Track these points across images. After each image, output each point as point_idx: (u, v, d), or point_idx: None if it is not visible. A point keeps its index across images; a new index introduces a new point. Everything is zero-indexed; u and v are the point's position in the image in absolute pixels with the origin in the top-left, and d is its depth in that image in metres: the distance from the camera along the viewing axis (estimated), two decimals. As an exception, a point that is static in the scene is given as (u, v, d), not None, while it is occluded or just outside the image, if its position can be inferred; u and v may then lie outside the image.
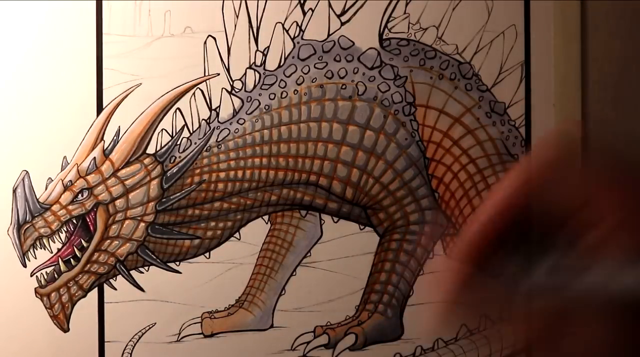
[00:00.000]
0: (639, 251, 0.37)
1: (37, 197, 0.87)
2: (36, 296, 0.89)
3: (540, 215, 0.41)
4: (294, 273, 0.93)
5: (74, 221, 0.89)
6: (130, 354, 0.90)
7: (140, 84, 0.89)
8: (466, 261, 0.41)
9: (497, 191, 0.41)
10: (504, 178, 0.41)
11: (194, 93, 0.90)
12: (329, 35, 0.92)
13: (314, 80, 0.92)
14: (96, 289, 0.90)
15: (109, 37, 0.89)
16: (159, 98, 0.89)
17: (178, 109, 0.90)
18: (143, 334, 0.90)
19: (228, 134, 0.91)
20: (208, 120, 0.90)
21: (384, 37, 0.93)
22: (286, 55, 0.92)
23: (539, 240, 0.41)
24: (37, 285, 0.89)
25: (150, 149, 0.90)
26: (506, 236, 0.41)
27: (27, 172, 0.88)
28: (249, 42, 0.91)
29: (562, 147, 0.43)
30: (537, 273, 0.40)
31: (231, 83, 0.91)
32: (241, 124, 0.91)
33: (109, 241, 0.89)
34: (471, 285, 0.41)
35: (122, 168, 0.89)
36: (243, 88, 0.91)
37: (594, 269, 0.38)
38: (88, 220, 0.89)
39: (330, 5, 0.92)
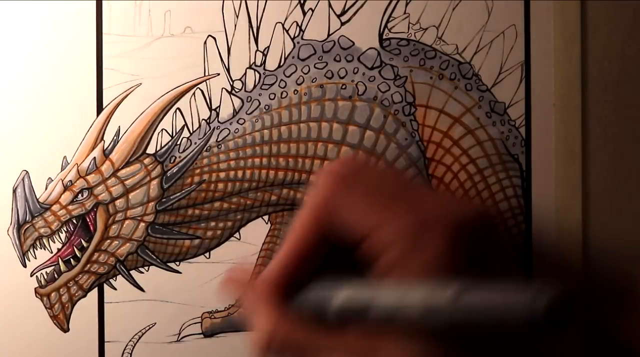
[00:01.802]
0: (428, 273, 0.37)
1: (37, 197, 0.88)
2: (36, 296, 0.89)
3: (335, 240, 0.41)
4: (294, 273, 0.93)
5: (74, 221, 0.89)
6: (130, 354, 0.90)
7: (140, 84, 0.89)
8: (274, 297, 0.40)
9: (295, 225, 0.41)
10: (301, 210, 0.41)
11: (194, 93, 0.90)
12: (329, 35, 0.92)
13: (314, 80, 0.92)
14: (96, 289, 0.90)
15: (109, 37, 0.89)
16: (159, 98, 0.89)
17: (178, 109, 0.90)
18: (143, 334, 0.90)
19: (228, 134, 0.91)
20: (208, 120, 0.90)
21: (384, 37, 0.93)
22: (286, 55, 0.92)
23: (334, 268, 0.41)
24: (37, 285, 0.89)
25: (150, 149, 0.90)
26: (306, 268, 0.41)
27: (27, 172, 0.88)
28: (249, 42, 0.91)
29: (352, 166, 0.42)
30: (334, 305, 0.39)
31: (231, 83, 0.91)
32: (241, 124, 0.91)
33: (109, 241, 0.89)
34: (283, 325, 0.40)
35: (122, 168, 0.89)
36: (243, 88, 0.91)
37: (385, 291, 0.37)
38: (88, 220, 0.89)
39: (330, 5, 0.92)
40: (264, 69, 0.92)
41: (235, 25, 0.91)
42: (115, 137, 0.89)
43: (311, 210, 0.40)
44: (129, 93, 0.89)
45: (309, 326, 0.40)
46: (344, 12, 0.93)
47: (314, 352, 0.39)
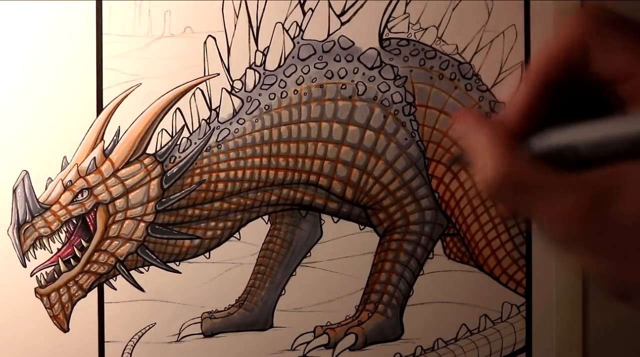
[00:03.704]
0: None
1: (37, 197, 0.88)
2: (36, 296, 0.89)
3: (582, 82, 0.39)
4: (294, 273, 0.93)
5: (74, 221, 0.89)
6: (130, 354, 0.90)
7: (140, 84, 0.89)
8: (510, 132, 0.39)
9: (537, 59, 0.40)
10: (545, 46, 0.39)
11: (194, 93, 0.90)
12: (329, 35, 0.92)
13: (314, 80, 0.92)
14: (96, 289, 0.90)
15: (109, 37, 0.89)
16: (159, 98, 0.89)
17: (178, 109, 0.90)
18: (143, 334, 0.90)
19: (228, 134, 0.91)
20: (208, 120, 0.90)
21: (384, 37, 0.93)
22: (286, 55, 0.92)
23: (581, 109, 0.39)
24: (37, 285, 0.89)
25: (150, 149, 0.90)
26: (548, 104, 0.39)
27: (27, 172, 0.88)
28: (249, 42, 0.91)
29: (600, 15, 0.41)
30: (576, 142, 0.38)
31: (231, 83, 0.91)
32: (241, 124, 0.91)
33: (109, 241, 0.89)
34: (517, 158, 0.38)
35: (122, 168, 0.89)
36: (243, 88, 0.91)
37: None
38: (88, 220, 0.89)
39: (330, 5, 0.92)
40: (264, 69, 0.92)
41: (235, 25, 0.91)
42: (115, 137, 0.89)
43: (562, 42, 0.38)
44: (129, 93, 0.89)
45: (542, 167, 0.38)
46: (344, 12, 0.93)
47: (546, 193, 0.37)
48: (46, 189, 0.88)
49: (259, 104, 0.91)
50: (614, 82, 0.38)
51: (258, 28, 0.91)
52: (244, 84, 0.91)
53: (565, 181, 0.37)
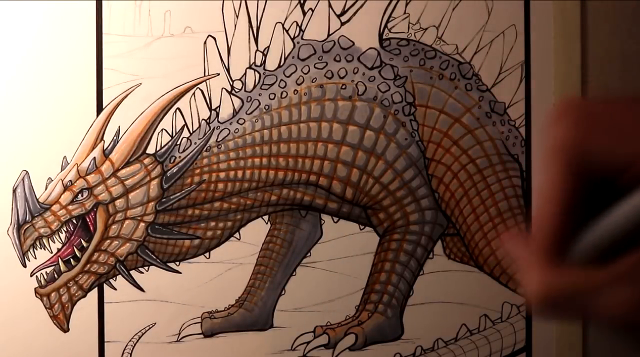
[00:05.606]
0: None
1: (37, 197, 0.88)
2: (36, 296, 0.89)
3: (590, 177, 0.40)
4: (294, 273, 0.93)
5: (74, 221, 0.89)
6: (130, 354, 0.90)
7: (140, 84, 0.89)
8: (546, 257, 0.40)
9: (544, 187, 0.41)
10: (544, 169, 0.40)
11: (194, 93, 0.90)
12: (329, 35, 0.92)
13: (314, 80, 0.92)
14: (96, 289, 0.90)
15: (109, 37, 0.89)
16: (159, 98, 0.89)
17: (178, 109, 0.90)
18: (143, 334, 0.90)
19: (228, 134, 0.91)
20: (208, 120, 0.91)
21: (384, 37, 0.93)
22: (286, 55, 0.92)
23: (604, 203, 0.40)
24: (37, 285, 0.89)
25: (150, 149, 0.90)
26: (575, 216, 0.40)
27: (27, 172, 0.88)
28: (249, 42, 0.91)
29: (581, 104, 0.42)
30: (608, 234, 0.38)
31: (231, 83, 0.91)
32: (241, 124, 0.91)
33: (108, 241, 0.89)
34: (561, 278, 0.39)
35: (122, 168, 0.89)
36: (243, 88, 0.91)
37: None
38: (88, 220, 0.89)
39: (330, 5, 0.92)
40: (264, 69, 0.92)
41: (235, 25, 0.91)
42: (115, 137, 0.89)
43: (561, 155, 0.39)
44: (129, 93, 0.89)
45: (585, 268, 0.39)
46: (344, 12, 0.93)
47: (597, 293, 0.38)
48: (46, 189, 0.88)
49: (259, 104, 0.91)
50: (617, 172, 0.39)
51: (258, 28, 0.91)
52: (244, 84, 0.91)
53: (610, 275, 0.38)
